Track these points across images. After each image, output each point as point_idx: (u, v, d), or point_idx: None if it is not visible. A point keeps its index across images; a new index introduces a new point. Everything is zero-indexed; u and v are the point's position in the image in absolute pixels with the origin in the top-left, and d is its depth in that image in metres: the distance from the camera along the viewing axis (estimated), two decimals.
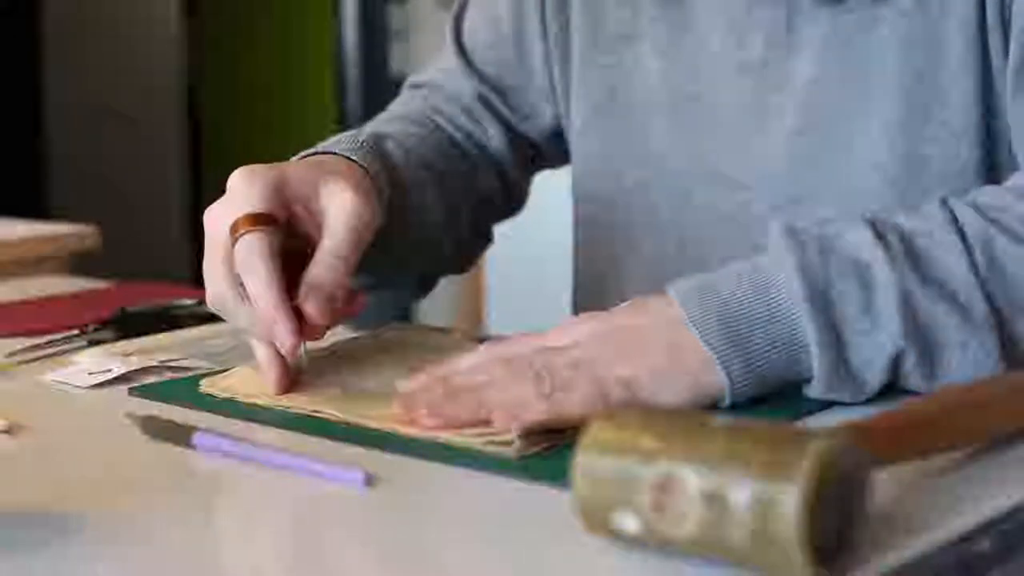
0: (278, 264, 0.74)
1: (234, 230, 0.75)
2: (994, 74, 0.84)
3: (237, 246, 0.75)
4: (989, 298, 0.72)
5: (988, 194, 0.77)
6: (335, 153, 0.86)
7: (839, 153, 0.89)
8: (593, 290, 1.07)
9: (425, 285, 1.04)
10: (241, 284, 0.75)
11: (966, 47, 0.84)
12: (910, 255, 0.72)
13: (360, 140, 0.89)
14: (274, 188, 0.77)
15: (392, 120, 1.04)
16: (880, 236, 0.72)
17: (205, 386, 0.78)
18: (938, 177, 0.85)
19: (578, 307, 1.10)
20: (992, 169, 0.85)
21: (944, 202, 0.75)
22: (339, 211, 0.78)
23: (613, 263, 1.03)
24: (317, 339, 0.78)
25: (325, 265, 0.76)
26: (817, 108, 0.89)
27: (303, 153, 0.88)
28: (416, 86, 1.12)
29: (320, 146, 0.88)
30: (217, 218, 0.77)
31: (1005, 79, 0.83)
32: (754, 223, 0.94)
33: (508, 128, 1.07)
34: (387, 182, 0.88)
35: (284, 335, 0.73)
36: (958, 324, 0.71)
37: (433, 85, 1.09)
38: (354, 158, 0.85)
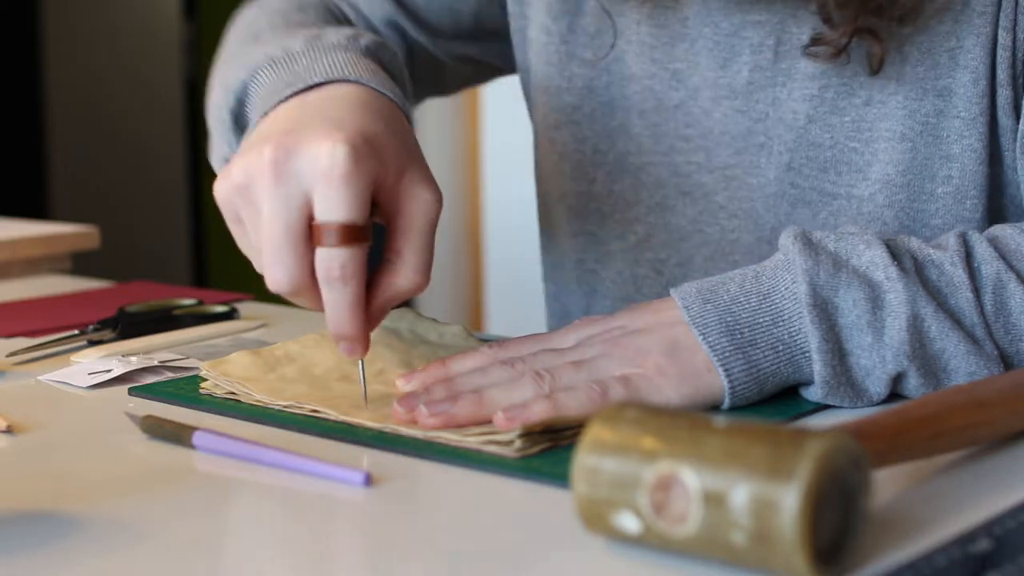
0: (364, 281, 0.70)
1: (325, 234, 0.68)
2: (1000, 131, 0.83)
3: (332, 255, 0.68)
4: (994, 339, 0.72)
5: (1010, 235, 0.75)
6: (361, 83, 0.77)
7: (836, 199, 0.87)
8: (563, 303, 1.06)
9: None
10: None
11: (974, 102, 0.82)
12: (922, 282, 0.72)
13: (362, 45, 0.82)
14: (370, 187, 0.69)
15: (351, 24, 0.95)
16: (895, 257, 0.72)
17: (205, 370, 0.78)
18: (940, 232, 0.84)
19: (550, 319, 1.09)
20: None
21: (962, 235, 0.75)
22: (421, 216, 0.72)
23: (583, 274, 1.02)
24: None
25: (407, 280, 0.71)
26: (811, 148, 0.87)
27: (316, 75, 0.77)
28: None
29: (338, 67, 0.78)
30: (296, 200, 0.68)
31: (1010, 137, 0.82)
32: (739, 253, 0.93)
33: (415, 48, 1.04)
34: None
35: (353, 351, 0.71)
36: (967, 353, 0.71)
37: None
38: (387, 92, 0.77)
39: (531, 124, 1.06)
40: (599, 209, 0.99)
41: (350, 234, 0.68)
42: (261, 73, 0.82)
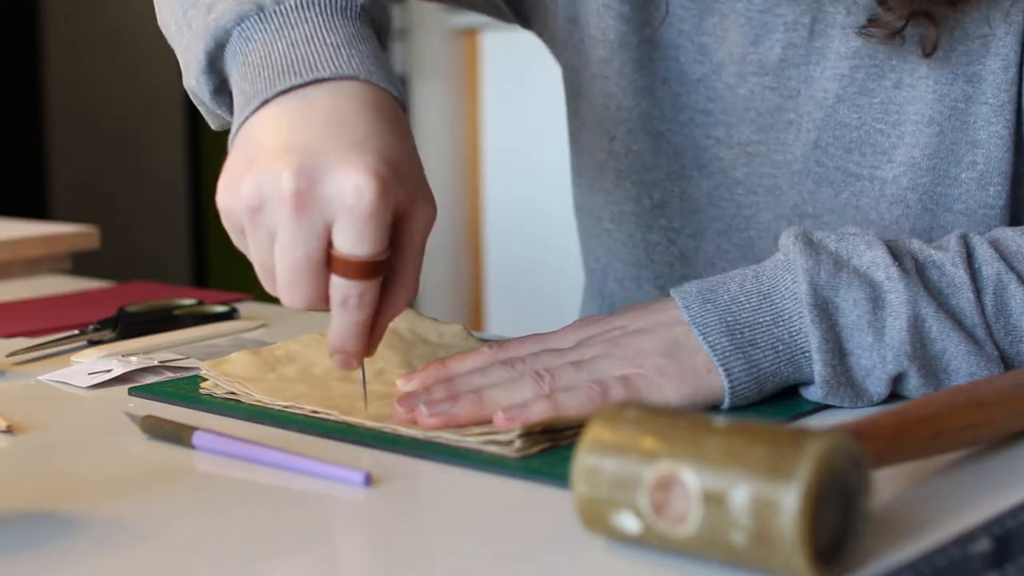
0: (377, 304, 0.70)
1: (346, 267, 0.67)
2: (1022, 120, 0.83)
3: (350, 286, 0.67)
4: (995, 339, 0.72)
5: (1011, 237, 0.75)
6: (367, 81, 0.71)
7: (859, 180, 0.87)
8: (594, 267, 1.06)
9: None
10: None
11: (1003, 89, 0.82)
12: (923, 282, 0.72)
13: (357, 4, 0.74)
14: (391, 218, 0.67)
15: None
16: (896, 257, 0.72)
17: (205, 370, 0.78)
18: (962, 217, 0.84)
19: (585, 298, 1.09)
20: (1018, 213, 0.84)
21: (963, 237, 0.75)
22: (421, 234, 0.70)
23: (601, 233, 1.03)
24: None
25: (406, 296, 0.71)
26: (838, 128, 0.88)
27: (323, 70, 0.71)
28: None
29: (343, 55, 0.71)
30: (318, 230, 0.66)
31: None
32: (754, 229, 0.93)
33: None
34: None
35: (348, 366, 0.71)
36: (968, 354, 0.71)
37: None
38: (390, 89, 0.72)
39: (563, 74, 1.04)
40: (617, 168, 0.99)
41: (372, 269, 0.67)
42: (248, 24, 0.75)
